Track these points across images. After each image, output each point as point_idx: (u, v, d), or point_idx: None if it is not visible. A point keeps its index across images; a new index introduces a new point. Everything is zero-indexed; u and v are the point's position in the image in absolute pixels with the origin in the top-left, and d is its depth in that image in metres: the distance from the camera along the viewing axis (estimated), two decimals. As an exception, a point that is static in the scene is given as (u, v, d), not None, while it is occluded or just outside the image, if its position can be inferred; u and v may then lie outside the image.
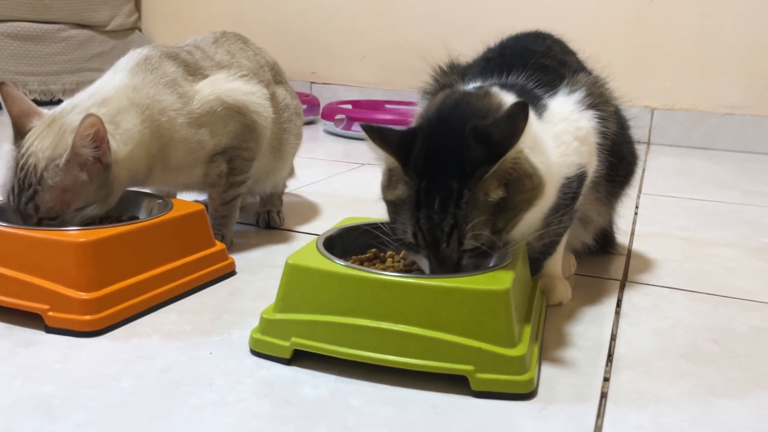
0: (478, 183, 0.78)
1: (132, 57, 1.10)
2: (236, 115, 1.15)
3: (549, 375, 0.80)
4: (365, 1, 3.03)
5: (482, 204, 0.79)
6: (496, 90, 0.90)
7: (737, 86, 2.63)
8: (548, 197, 0.88)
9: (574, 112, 0.96)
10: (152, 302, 0.94)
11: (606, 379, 0.80)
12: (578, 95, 0.97)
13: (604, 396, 0.77)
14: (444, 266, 0.82)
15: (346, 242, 0.94)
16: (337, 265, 0.81)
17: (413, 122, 0.94)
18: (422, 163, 0.81)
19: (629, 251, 1.31)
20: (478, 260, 0.83)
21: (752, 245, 1.40)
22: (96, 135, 0.94)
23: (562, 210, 0.94)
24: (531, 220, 0.86)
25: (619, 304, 1.04)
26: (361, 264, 0.92)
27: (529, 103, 0.88)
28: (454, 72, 1.06)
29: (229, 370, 0.79)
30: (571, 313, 1.00)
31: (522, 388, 0.75)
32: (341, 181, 1.85)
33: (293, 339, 0.80)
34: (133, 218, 1.07)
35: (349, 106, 2.77)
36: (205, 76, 1.15)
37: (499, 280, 0.78)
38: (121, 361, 0.80)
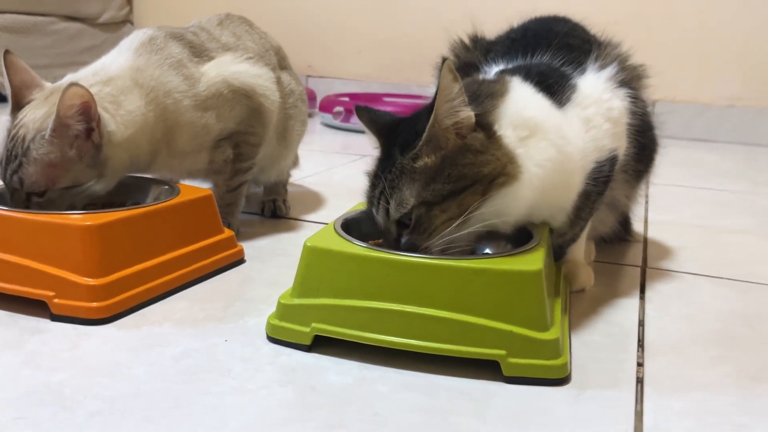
0: (412, 150, 0.77)
1: (136, 37, 1.06)
2: (243, 98, 1.11)
3: (580, 360, 0.77)
4: (362, -7, 2.99)
5: (409, 169, 0.77)
6: (511, 79, 0.86)
7: (737, 78, 2.62)
8: (567, 184, 0.85)
9: (606, 91, 0.91)
10: (161, 289, 0.90)
11: (639, 365, 0.77)
12: (609, 71, 0.93)
13: (640, 381, 0.73)
14: (387, 240, 0.81)
15: (363, 226, 0.90)
16: (359, 247, 0.77)
17: None
18: (385, 139, 0.82)
19: (645, 238, 1.28)
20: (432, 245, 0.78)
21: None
22: (83, 107, 0.90)
23: (594, 196, 0.90)
24: (501, 210, 0.78)
25: (642, 290, 1.01)
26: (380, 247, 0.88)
27: (554, 85, 0.85)
28: (477, 48, 1.02)
29: (247, 357, 0.75)
30: (594, 299, 0.97)
31: (556, 373, 0.72)
32: (343, 172, 1.81)
33: (314, 324, 0.76)
34: (137, 204, 1.02)
35: (347, 99, 2.73)
36: (211, 58, 1.11)
37: (529, 261, 0.75)
38: (133, 349, 0.76)
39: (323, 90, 3.01)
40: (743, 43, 2.57)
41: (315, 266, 0.78)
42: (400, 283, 0.74)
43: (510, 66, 0.95)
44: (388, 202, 0.78)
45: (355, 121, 2.64)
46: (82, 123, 0.91)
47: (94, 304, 0.82)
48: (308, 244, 0.78)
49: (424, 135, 0.76)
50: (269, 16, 3.22)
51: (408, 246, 0.78)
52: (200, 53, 1.10)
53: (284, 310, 0.79)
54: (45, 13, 2.87)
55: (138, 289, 0.87)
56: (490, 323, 0.72)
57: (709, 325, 0.89)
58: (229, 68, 1.11)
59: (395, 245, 0.79)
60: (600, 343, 0.82)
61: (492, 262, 0.74)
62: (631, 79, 0.96)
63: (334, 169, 1.85)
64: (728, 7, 2.55)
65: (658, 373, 0.75)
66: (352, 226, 0.88)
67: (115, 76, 0.98)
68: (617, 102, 0.92)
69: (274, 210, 1.33)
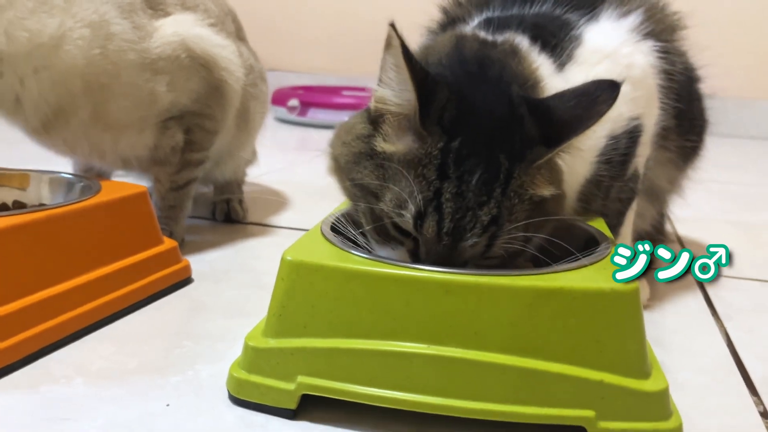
0: (529, 169, 0.55)
1: None
2: (201, 69, 0.85)
3: (683, 412, 0.54)
4: (314, -22, 2.75)
5: (529, 199, 0.55)
6: (524, 48, 0.65)
7: (717, 69, 2.47)
8: (567, 169, 0.63)
9: (625, 43, 0.70)
10: (74, 326, 0.63)
11: (764, 415, 0.55)
12: (633, 19, 0.72)
13: (776, 443, 0.51)
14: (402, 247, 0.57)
15: (353, 228, 0.66)
16: (364, 260, 0.53)
17: None
18: (453, 119, 0.54)
19: (678, 237, 1.07)
20: None
21: (810, 228, 1.19)
22: None
23: (608, 181, 0.69)
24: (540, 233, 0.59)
25: (710, 304, 0.79)
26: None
27: (551, 38, 0.66)
28: (471, 2, 0.80)
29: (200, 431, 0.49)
30: (653, 317, 0.74)
31: (667, 440, 0.48)
32: (306, 169, 1.56)
33: (300, 379, 0.51)
34: (43, 205, 0.75)
35: (302, 92, 2.47)
36: (168, 14, 0.84)
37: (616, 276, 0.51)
38: (25, 426, 0.49)
39: (274, 83, 2.73)
40: (722, 35, 2.42)
41: (300, 291, 0.53)
42: (433, 314, 0.49)
43: (498, 14, 0.74)
44: (496, 235, 0.53)
45: (312, 115, 2.41)
46: None
47: (-33, 356, 0.55)
48: (289, 258, 0.53)
49: (550, 155, 0.56)
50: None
51: (438, 257, 0.54)
52: (155, 5, 0.83)
53: (255, 357, 0.53)
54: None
55: (38, 328, 0.60)
56: (570, 370, 0.48)
57: (821, 350, 0.68)
58: (189, 29, 0.85)
59: (410, 254, 0.55)
60: (697, 384, 0.60)
61: (566, 278, 0.50)
62: (662, 30, 0.74)
63: (295, 166, 1.60)
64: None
65: (795, 429, 0.53)
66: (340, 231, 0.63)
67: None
68: (640, 58, 0.71)
69: (228, 213, 1.06)
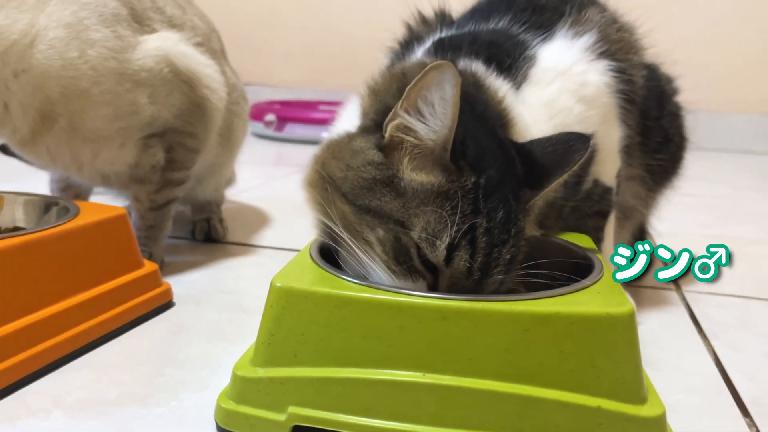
0: (524, 210, 0.56)
1: None
2: (183, 85, 0.83)
3: (678, 437, 0.54)
4: (290, -9, 2.73)
5: (525, 238, 0.56)
6: (481, 75, 0.64)
7: (689, 82, 2.51)
8: None
9: (578, 62, 0.70)
10: (52, 356, 0.61)
11: (757, 437, 0.55)
12: (587, 39, 0.71)
13: (771, 466, 0.51)
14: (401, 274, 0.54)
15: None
16: (356, 286, 0.51)
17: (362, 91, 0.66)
18: (475, 157, 0.54)
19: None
20: None
21: (786, 241, 1.20)
22: None
23: (560, 201, 0.69)
24: None
25: (695, 321, 0.79)
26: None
27: (506, 58, 0.66)
28: (438, 21, 0.80)
29: (188, 468, 0.48)
30: (642, 336, 0.73)
31: (666, 467, 0.48)
32: (286, 186, 1.54)
33: (291, 409, 0.50)
34: (18, 230, 0.73)
35: (279, 107, 2.45)
36: (154, 30, 0.83)
37: (612, 299, 0.51)
38: (-1, 465, 0.47)
39: (251, 98, 2.71)
40: (687, 46, 2.46)
41: (290, 318, 0.51)
42: (428, 341, 0.48)
43: (452, 33, 0.75)
44: (509, 271, 0.53)
45: (289, 130, 2.39)
46: None
47: (-61, 390, 0.52)
48: (278, 285, 0.52)
49: (537, 197, 0.57)
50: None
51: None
52: (141, 20, 0.82)
53: (244, 388, 0.52)
54: None
55: (14, 359, 0.58)
56: (567, 397, 0.47)
57: (809, 368, 0.68)
58: (174, 46, 0.83)
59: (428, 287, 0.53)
60: (689, 405, 0.59)
61: (562, 303, 0.49)
62: (618, 49, 0.74)
63: (273, 182, 1.58)
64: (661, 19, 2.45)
65: (790, 451, 0.53)
66: (328, 254, 0.62)
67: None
68: (594, 76, 0.71)
69: (209, 232, 1.05)
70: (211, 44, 0.94)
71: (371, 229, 0.53)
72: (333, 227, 0.55)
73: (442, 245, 0.51)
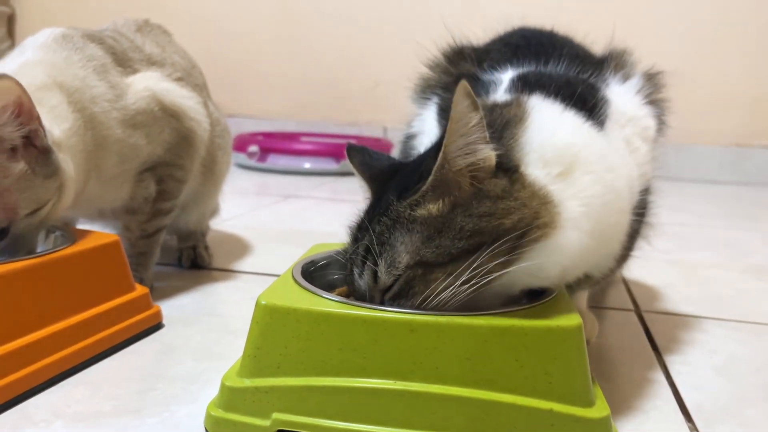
0: (413, 196, 0.57)
1: (43, 35, 0.83)
2: (172, 120, 0.89)
3: (626, 439, 0.59)
4: (271, 27, 2.81)
5: (406, 219, 0.56)
6: (525, 97, 0.65)
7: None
8: (618, 224, 0.65)
9: (640, 107, 0.74)
10: (51, 372, 0.66)
11: (698, 439, 0.61)
12: (636, 83, 0.75)
13: (708, 464, 0.57)
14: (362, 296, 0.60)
15: (327, 274, 0.70)
16: (335, 303, 0.57)
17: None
18: (381, 185, 0.63)
19: (623, 277, 1.14)
20: None
21: (742, 266, 1.27)
22: (18, 105, 0.67)
23: (636, 234, 0.73)
24: (546, 264, 0.57)
25: (651, 339, 0.86)
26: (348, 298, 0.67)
27: (586, 94, 0.66)
28: (467, 58, 0.83)
29: (181, 470, 0.52)
30: (600, 352, 0.80)
31: (611, 463, 0.53)
32: (269, 214, 1.60)
33: (275, 415, 0.55)
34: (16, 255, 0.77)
35: (261, 138, 2.52)
36: (136, 71, 0.89)
37: (563, 315, 0.57)
38: (7, 468, 0.52)
39: (233, 129, 2.77)
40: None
41: (274, 333, 0.57)
42: (398, 352, 0.54)
43: (520, 72, 0.75)
44: (376, 263, 0.57)
45: (272, 161, 2.45)
46: (19, 127, 0.68)
47: (-51, 402, 0.57)
48: (263, 303, 0.57)
49: (430, 178, 0.56)
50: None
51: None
52: (123, 62, 0.88)
53: (231, 397, 0.57)
54: None
55: (16, 375, 0.62)
56: (522, 400, 0.53)
57: (750, 378, 0.74)
58: (157, 83, 0.89)
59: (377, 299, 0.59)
60: (636, 412, 0.65)
61: (517, 318, 0.55)
62: (654, 92, 0.78)
63: (257, 211, 1.63)
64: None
65: (726, 451, 0.59)
66: (314, 275, 0.67)
67: (23, 71, 0.75)
68: (651, 121, 0.75)
69: (195, 258, 1.09)
70: (192, 79, 1.00)
71: None
72: None
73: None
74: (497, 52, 0.80)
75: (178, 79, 0.95)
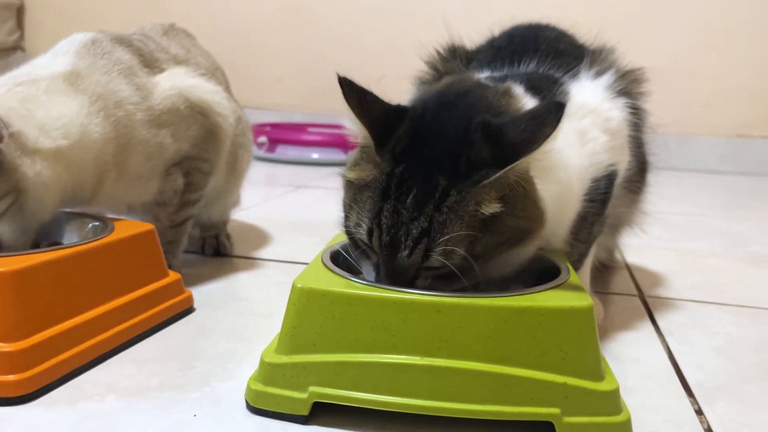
0: (472, 188, 0.61)
1: (75, 39, 0.88)
2: (198, 116, 0.94)
3: (631, 411, 0.64)
4: (278, 19, 2.85)
5: (470, 215, 0.61)
6: (518, 91, 0.73)
7: (659, 108, 2.65)
8: (565, 209, 0.74)
9: (604, 100, 0.81)
10: (98, 350, 0.71)
11: (699, 412, 0.66)
12: (607, 79, 0.83)
13: (709, 433, 0.62)
14: (394, 281, 0.63)
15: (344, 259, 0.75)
16: (367, 286, 0.62)
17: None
18: (404, 147, 0.64)
19: (627, 264, 1.19)
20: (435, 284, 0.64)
21: (741, 254, 1.32)
22: None
23: (591, 218, 0.79)
24: (513, 260, 0.67)
25: (654, 322, 0.91)
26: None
27: (544, 92, 0.74)
28: (457, 57, 0.90)
29: (228, 437, 0.57)
30: (606, 334, 0.85)
31: (619, 431, 0.58)
32: (282, 205, 1.65)
33: (312, 389, 0.60)
34: (56, 244, 0.82)
35: (270, 129, 2.56)
36: (162, 70, 0.93)
37: (576, 296, 0.62)
38: (70, 436, 0.57)
39: (241, 120, 2.82)
40: (654, 73, 2.61)
41: (310, 314, 0.62)
42: (425, 330, 0.59)
43: (495, 75, 0.84)
44: (430, 247, 0.61)
45: (281, 151, 2.50)
46: None
47: (12, 377, 0.62)
48: (299, 286, 0.62)
49: (497, 175, 0.61)
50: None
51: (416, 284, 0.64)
52: (150, 63, 0.92)
53: (270, 372, 0.62)
54: None
55: (69, 352, 0.67)
56: (539, 375, 0.58)
57: (749, 357, 0.79)
58: (184, 81, 0.94)
59: (403, 285, 0.64)
60: (641, 388, 0.70)
61: (534, 299, 0.60)
62: (631, 87, 0.86)
63: (271, 201, 1.68)
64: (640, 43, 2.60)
65: (725, 422, 0.64)
66: (338, 261, 0.72)
67: (43, 77, 0.80)
68: (616, 112, 0.82)
69: (217, 247, 1.14)
70: (214, 77, 1.05)
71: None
72: None
73: (363, 227, 0.63)
74: (484, 53, 0.88)
75: (202, 75, 1.00)
